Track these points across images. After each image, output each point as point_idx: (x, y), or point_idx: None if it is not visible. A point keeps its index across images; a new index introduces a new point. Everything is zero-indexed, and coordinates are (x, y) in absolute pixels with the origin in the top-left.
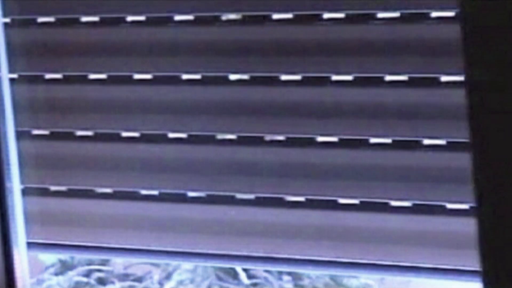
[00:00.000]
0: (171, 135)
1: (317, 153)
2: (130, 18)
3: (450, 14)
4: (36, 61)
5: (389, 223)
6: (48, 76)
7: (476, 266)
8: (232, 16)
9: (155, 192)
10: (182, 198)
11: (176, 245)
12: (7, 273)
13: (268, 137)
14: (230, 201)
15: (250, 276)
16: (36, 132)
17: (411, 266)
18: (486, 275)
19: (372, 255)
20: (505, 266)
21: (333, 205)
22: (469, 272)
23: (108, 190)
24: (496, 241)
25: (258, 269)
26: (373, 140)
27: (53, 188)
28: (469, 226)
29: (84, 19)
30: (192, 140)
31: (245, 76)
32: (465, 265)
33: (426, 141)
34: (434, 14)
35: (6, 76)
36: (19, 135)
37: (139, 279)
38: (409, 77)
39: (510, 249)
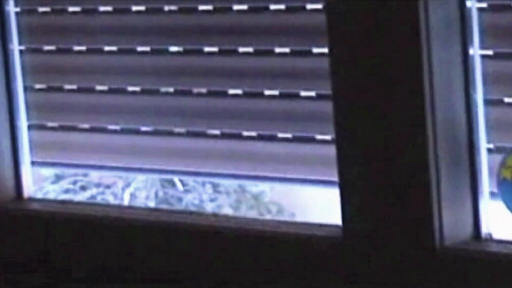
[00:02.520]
0: (130, 88)
1: (229, 102)
2: (101, 9)
3: (319, 6)
4: (37, 38)
5: (277, 148)
6: (46, 48)
7: (336, 178)
8: (172, 7)
9: (118, 127)
10: (137, 132)
11: (133, 163)
12: (17, 183)
13: (195, 90)
14: (170, 133)
15: (183, 185)
16: (37, 86)
17: (292, 178)
18: (342, 184)
19: (266, 170)
20: (354, 178)
21: (239, 136)
22: (331, 182)
23: (86, 126)
24: (349, 161)
25: (189, 179)
26: (267, 92)
27: (49, 124)
28: (331, 151)
29: (70, 9)
30: (143, 92)
31: (180, 49)
32: (328, 177)
33: (303, 93)
34: (309, 6)
35: (17, 48)
36: (26, 88)
37: (108, 186)
38: (291, 49)
39: (359, 165)
